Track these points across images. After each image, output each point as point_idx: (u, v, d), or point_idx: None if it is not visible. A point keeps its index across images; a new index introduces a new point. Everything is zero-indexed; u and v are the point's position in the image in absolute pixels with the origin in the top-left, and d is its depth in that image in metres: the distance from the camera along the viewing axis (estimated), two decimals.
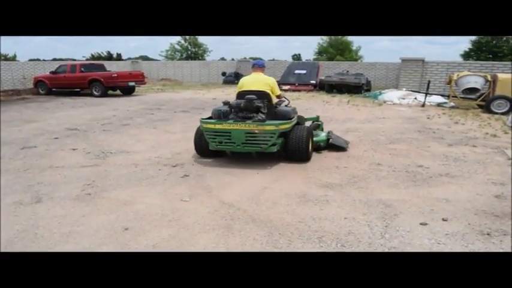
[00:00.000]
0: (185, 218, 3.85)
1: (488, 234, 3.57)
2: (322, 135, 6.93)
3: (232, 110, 5.96)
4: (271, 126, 5.56)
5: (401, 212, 4.07)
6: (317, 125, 7.51)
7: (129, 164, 5.87)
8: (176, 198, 4.41)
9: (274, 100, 6.20)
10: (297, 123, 6.28)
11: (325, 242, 3.38)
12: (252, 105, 5.78)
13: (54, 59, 44.27)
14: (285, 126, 5.72)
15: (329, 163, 5.91)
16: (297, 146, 5.78)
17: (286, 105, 6.48)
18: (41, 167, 5.69)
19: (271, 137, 5.54)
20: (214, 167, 5.67)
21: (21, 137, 7.90)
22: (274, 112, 6.04)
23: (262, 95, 5.96)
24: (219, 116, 6.09)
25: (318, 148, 6.68)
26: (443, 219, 3.88)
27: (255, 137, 5.55)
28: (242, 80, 6.45)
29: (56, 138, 7.80)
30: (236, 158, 6.09)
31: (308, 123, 7.10)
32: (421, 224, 3.78)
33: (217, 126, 5.66)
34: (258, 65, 6.52)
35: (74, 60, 40.40)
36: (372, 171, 5.54)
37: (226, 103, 6.16)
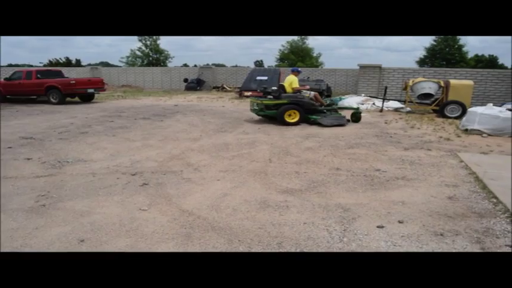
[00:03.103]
0: (143, 228, 3.79)
1: (441, 234, 3.70)
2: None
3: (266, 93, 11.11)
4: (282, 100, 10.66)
5: (359, 215, 4.15)
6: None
7: (86, 173, 5.72)
8: (135, 208, 4.33)
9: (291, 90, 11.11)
10: None
11: (284, 248, 3.41)
12: (275, 92, 10.82)
13: (10, 65, 42.74)
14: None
15: (289, 169, 5.97)
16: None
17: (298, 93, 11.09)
18: None
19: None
20: (174, 175, 5.61)
21: None
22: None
23: (282, 87, 11.05)
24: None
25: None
26: (399, 222, 3.99)
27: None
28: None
29: (10, 147, 7.50)
30: (198, 164, 6.06)
31: None
32: (378, 226, 3.87)
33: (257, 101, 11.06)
34: (292, 70, 11.63)
35: (31, 66, 39.14)
36: (331, 175, 5.63)
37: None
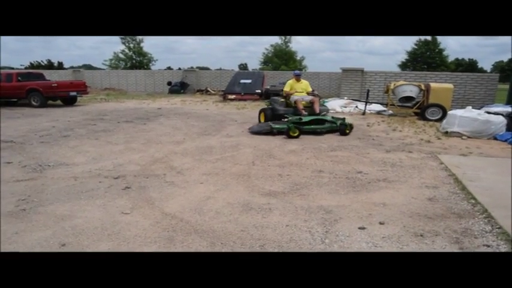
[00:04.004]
0: (126, 231, 3.78)
1: (421, 235, 3.76)
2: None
3: None
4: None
5: (341, 217, 4.20)
6: None
7: (68, 177, 5.66)
8: (117, 211, 4.31)
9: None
10: None
11: (267, 250, 3.42)
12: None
13: None
14: None
15: (272, 171, 6.00)
16: None
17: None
18: None
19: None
20: (157, 179, 5.59)
21: None
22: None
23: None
24: None
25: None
26: (381, 223, 4.05)
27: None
28: None
29: None
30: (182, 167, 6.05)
31: None
32: (359, 228, 3.92)
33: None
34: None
35: (12, 68, 38.51)
36: (314, 178, 5.68)
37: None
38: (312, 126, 9.56)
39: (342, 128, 9.47)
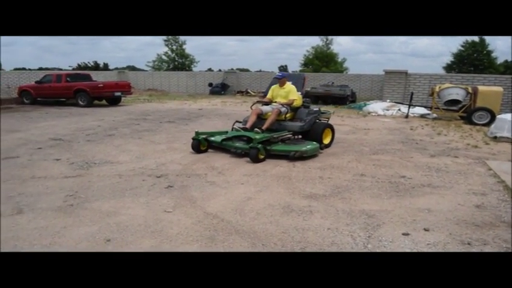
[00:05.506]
0: (168, 229, 3.84)
1: (468, 243, 3.63)
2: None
3: None
4: None
5: (384, 222, 4.11)
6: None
7: (112, 174, 5.83)
8: (160, 209, 4.39)
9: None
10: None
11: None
12: None
13: (40, 69, 43.82)
14: None
15: (313, 174, 5.95)
16: None
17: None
18: (23, 178, 5.60)
19: None
20: (198, 178, 5.66)
21: (4, 147, 7.79)
22: None
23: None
24: None
25: None
26: (425, 229, 3.93)
27: None
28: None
29: (40, 148, 7.71)
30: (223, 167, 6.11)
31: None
32: (403, 234, 3.82)
33: None
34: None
35: (60, 69, 40.10)
36: (356, 181, 5.58)
37: None
38: (231, 144, 7.43)
39: (253, 152, 6.74)
